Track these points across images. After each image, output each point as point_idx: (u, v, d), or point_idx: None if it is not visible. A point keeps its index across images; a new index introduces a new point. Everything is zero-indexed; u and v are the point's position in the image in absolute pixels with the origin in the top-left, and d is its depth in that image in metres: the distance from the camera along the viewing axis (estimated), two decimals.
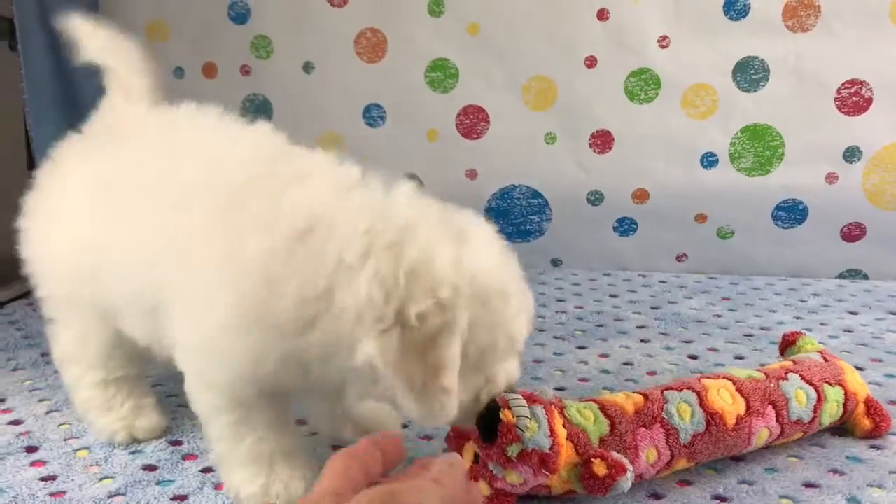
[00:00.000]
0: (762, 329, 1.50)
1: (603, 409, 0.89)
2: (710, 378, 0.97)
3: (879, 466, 0.96)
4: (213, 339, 0.79)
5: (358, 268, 0.73)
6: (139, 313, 0.91)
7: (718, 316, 1.59)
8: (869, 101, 1.81)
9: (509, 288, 0.78)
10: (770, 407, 0.95)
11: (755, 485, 0.93)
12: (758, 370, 1.01)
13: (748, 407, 0.93)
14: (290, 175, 0.81)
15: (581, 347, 1.41)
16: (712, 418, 0.91)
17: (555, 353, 1.38)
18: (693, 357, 1.36)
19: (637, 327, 1.53)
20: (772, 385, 0.97)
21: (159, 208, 0.87)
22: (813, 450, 1.01)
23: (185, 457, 1.01)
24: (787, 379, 0.98)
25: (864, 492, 0.90)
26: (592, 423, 0.87)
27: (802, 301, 1.69)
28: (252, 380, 0.81)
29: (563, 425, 0.86)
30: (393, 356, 0.72)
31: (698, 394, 0.93)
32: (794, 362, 1.04)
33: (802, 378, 0.99)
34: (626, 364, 1.33)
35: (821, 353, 1.08)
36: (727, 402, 0.92)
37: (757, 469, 0.96)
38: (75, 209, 0.97)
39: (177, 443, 1.05)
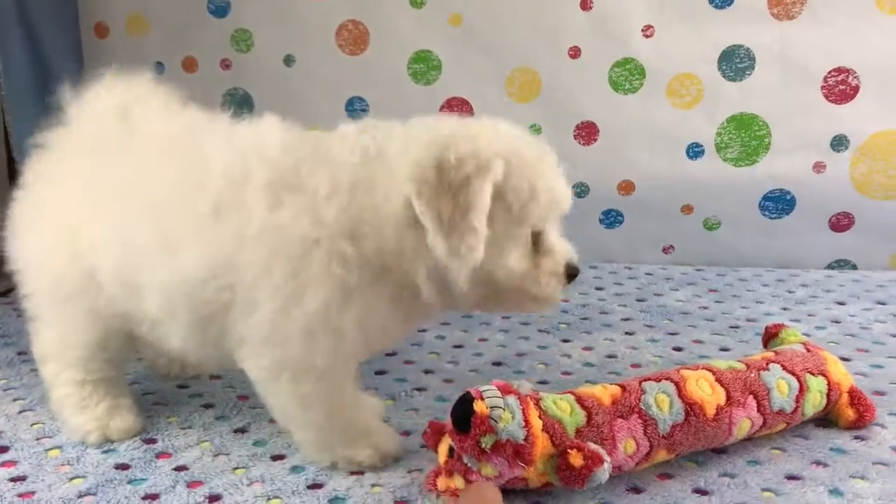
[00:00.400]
0: (748, 320, 1.49)
1: (579, 400, 0.88)
2: (689, 369, 0.95)
3: (863, 457, 0.95)
4: (322, 313, 0.83)
5: (400, 156, 0.83)
6: (187, 322, 0.90)
7: (705, 308, 1.58)
8: (856, 88, 1.79)
9: (545, 154, 0.87)
10: (751, 397, 0.93)
11: (737, 477, 0.91)
12: (739, 361, 0.99)
13: (728, 397, 0.92)
14: (328, 145, 0.87)
15: (565, 340, 1.40)
16: (691, 408, 0.90)
17: (539, 347, 1.36)
18: (678, 349, 1.34)
19: (622, 320, 1.51)
20: (752, 375, 0.95)
21: (198, 218, 0.87)
22: (796, 441, 0.99)
23: (159, 455, 0.99)
24: (768, 369, 0.97)
25: (846, 483, 0.89)
26: (569, 414, 0.86)
27: (790, 292, 1.68)
28: (357, 346, 0.87)
29: (539, 416, 0.84)
30: (428, 192, 0.79)
31: (677, 384, 0.91)
32: (776, 353, 1.03)
33: (784, 368, 0.98)
34: (609, 357, 1.32)
35: (804, 344, 1.07)
36: (706, 393, 0.91)
37: (739, 461, 0.95)
38: (79, 214, 0.95)
39: (151, 441, 1.03)
